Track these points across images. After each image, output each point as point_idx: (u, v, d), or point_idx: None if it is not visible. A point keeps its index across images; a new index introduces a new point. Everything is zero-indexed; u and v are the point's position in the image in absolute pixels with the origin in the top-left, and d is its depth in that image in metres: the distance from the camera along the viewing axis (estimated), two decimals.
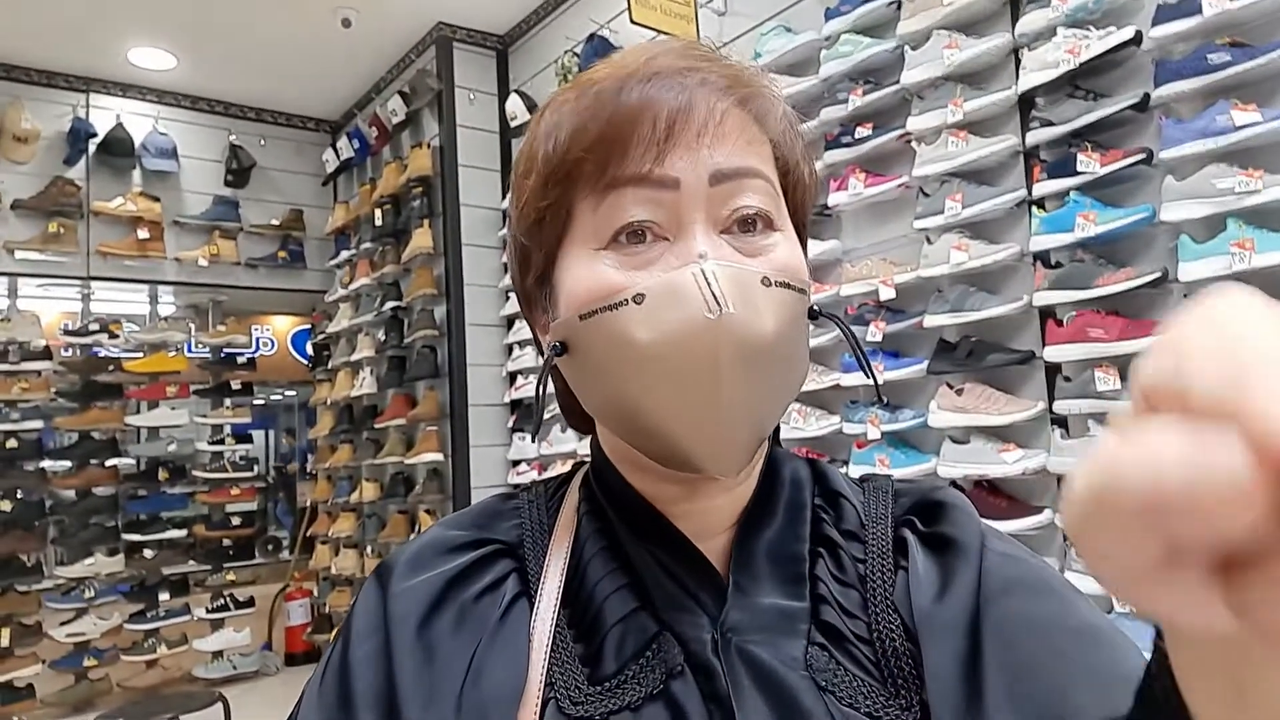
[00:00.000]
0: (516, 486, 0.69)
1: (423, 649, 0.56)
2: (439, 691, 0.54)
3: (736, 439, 0.55)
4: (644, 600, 0.59)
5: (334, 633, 4.86)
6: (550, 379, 0.62)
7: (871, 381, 0.67)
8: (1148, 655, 0.35)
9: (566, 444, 4.02)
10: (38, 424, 5.03)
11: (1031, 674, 0.51)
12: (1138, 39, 2.16)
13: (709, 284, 0.53)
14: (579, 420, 0.70)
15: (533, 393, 3.97)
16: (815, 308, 0.61)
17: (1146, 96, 2.15)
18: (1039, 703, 0.49)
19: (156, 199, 5.17)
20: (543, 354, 0.65)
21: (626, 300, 0.55)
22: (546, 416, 4.18)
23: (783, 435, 0.92)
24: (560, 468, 3.90)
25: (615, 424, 0.60)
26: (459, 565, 0.61)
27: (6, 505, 4.80)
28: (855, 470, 2.67)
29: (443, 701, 0.54)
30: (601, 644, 0.58)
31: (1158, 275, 2.11)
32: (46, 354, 4.95)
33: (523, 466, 4.34)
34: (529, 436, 4.31)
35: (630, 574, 0.60)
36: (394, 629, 0.57)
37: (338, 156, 5.50)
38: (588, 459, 0.70)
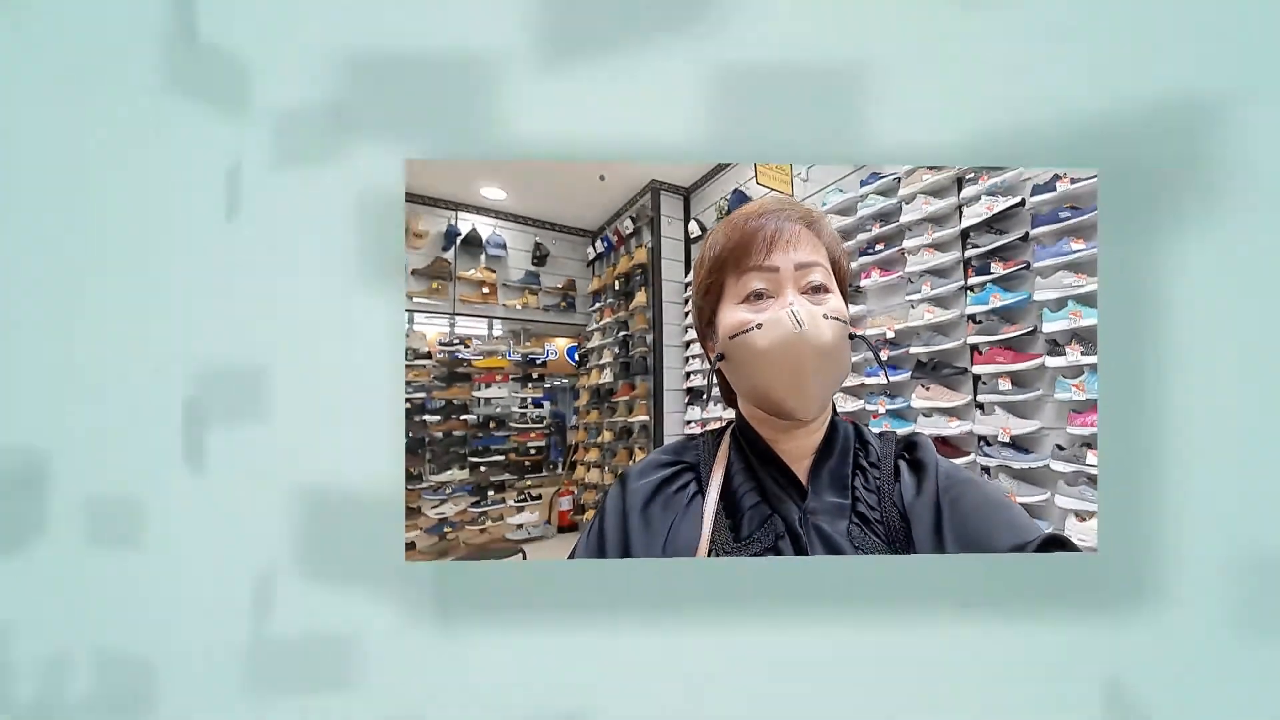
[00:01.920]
0: (691, 436, 0.74)
1: (644, 520, 0.61)
2: (653, 543, 0.60)
3: (813, 400, 0.60)
4: (763, 496, 0.63)
5: (589, 515, 5.32)
6: (716, 377, 0.67)
7: (885, 379, 0.81)
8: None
9: (715, 414, 4.11)
10: (422, 395, 5.27)
11: (968, 523, 0.57)
12: (1023, 203, 2.59)
13: (794, 315, 0.59)
14: (729, 399, 0.72)
15: (701, 382, 4.46)
16: (853, 333, 0.64)
17: (1027, 234, 2.56)
18: (974, 538, 0.56)
19: (493, 270, 5.39)
20: (710, 362, 0.67)
21: (753, 328, 0.60)
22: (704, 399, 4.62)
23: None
24: (714, 425, 4.21)
25: (750, 395, 0.64)
26: (664, 475, 0.65)
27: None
28: (875, 427, 2.97)
29: (655, 548, 0.60)
30: (740, 520, 0.62)
31: (1031, 329, 2.49)
32: (428, 356, 5.26)
33: (692, 426, 4.45)
34: (698, 407, 4.42)
35: (756, 481, 0.64)
36: (629, 509, 0.62)
37: (595, 250, 5.69)
38: (733, 421, 0.72)
